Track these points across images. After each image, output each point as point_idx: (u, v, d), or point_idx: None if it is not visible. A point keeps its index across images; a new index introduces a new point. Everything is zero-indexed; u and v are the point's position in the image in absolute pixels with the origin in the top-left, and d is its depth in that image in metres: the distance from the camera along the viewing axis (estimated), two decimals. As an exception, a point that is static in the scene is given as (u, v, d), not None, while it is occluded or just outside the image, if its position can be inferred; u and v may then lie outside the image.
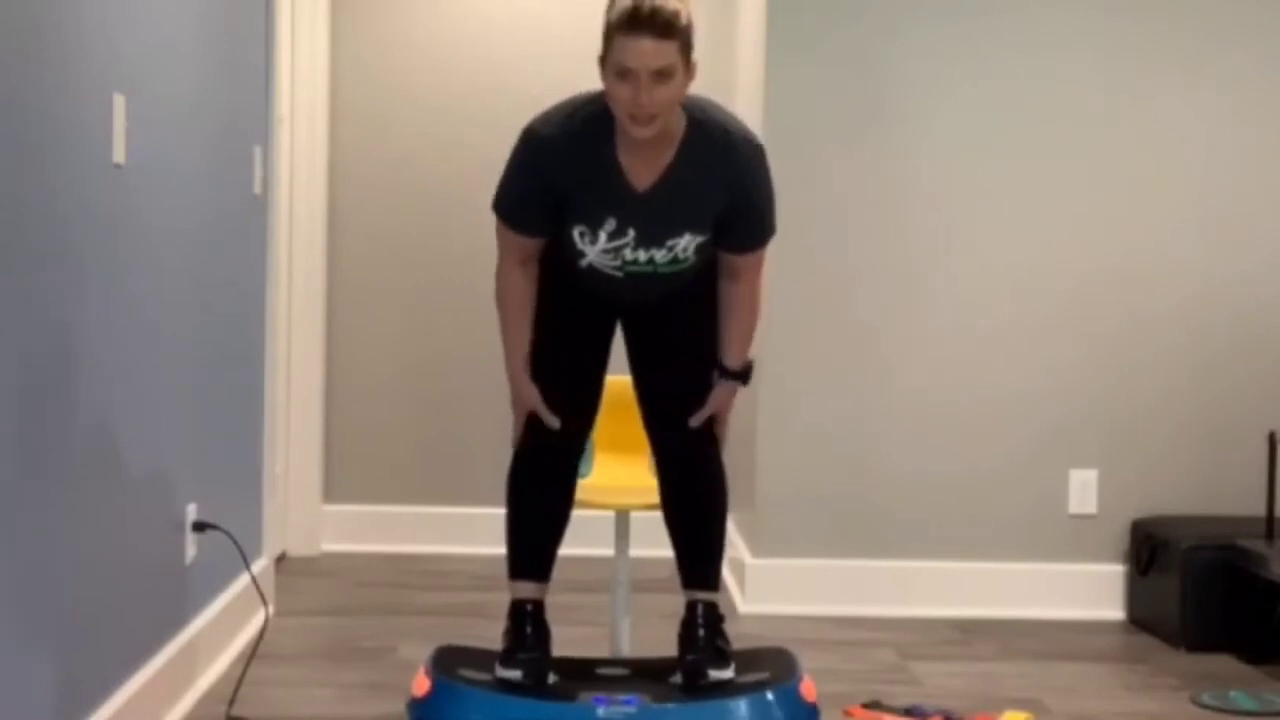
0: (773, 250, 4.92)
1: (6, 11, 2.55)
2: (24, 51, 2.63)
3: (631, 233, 3.16)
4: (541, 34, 5.81)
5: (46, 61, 2.74)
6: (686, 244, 3.19)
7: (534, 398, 3.31)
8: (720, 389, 3.36)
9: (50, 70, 2.76)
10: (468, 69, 5.87)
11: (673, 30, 2.98)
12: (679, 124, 3.12)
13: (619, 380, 3.47)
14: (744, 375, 3.37)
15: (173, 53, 3.59)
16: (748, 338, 3.37)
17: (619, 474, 3.75)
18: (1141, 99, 4.97)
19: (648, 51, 2.96)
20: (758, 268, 3.33)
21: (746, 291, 3.32)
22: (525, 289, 3.28)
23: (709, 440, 3.40)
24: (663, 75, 2.98)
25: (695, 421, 3.35)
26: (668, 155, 3.13)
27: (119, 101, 3.13)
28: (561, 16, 5.78)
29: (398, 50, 5.88)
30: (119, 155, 3.14)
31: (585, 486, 3.62)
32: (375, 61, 5.87)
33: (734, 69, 5.73)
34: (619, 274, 3.22)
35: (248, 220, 4.46)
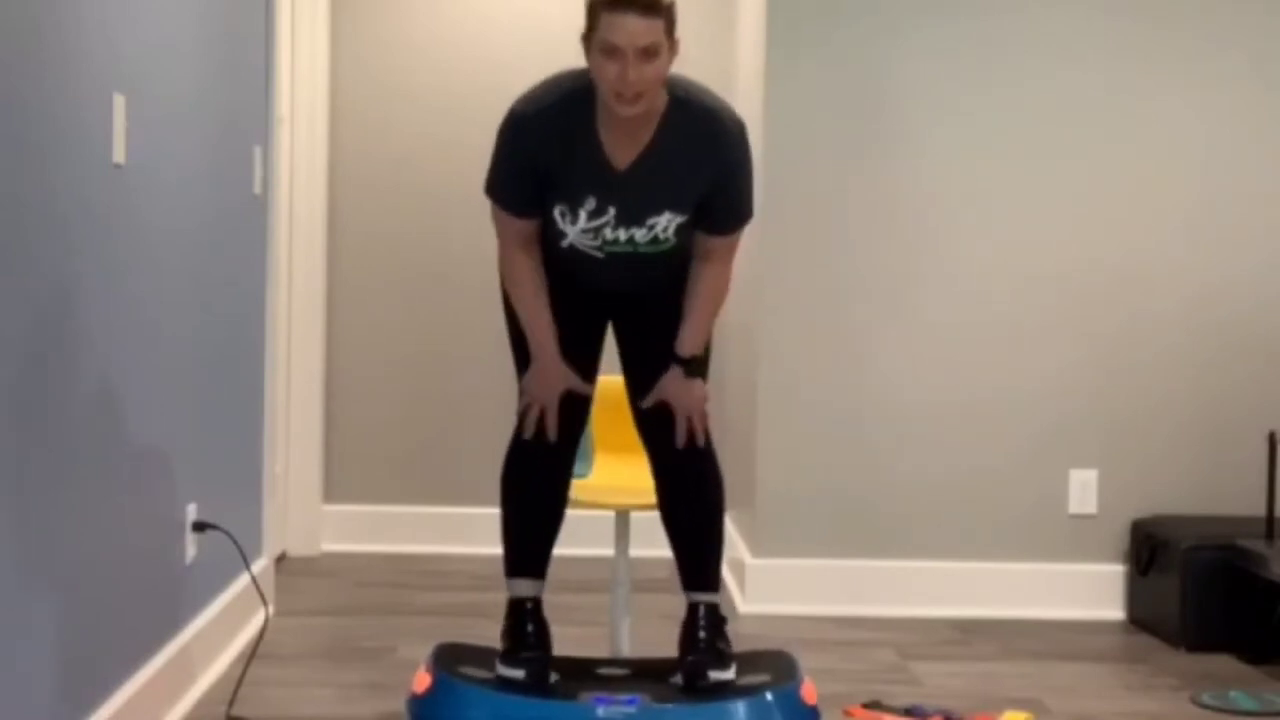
0: (774, 248, 4.93)
1: (6, 11, 2.55)
2: (24, 51, 2.63)
3: (611, 211, 3.16)
4: (541, 34, 5.80)
5: (46, 61, 2.74)
6: (666, 223, 3.19)
7: (571, 379, 3.29)
8: (667, 377, 3.30)
9: (50, 70, 2.76)
10: (468, 69, 5.87)
11: (657, 8, 3.01)
12: (660, 102, 3.12)
13: (617, 381, 3.47)
14: (690, 365, 3.30)
15: (173, 53, 3.59)
16: (705, 325, 3.32)
17: (619, 474, 3.75)
18: (1141, 99, 4.97)
19: (634, 29, 2.98)
20: (731, 251, 3.31)
21: (715, 275, 3.29)
22: (533, 267, 3.26)
23: (704, 441, 3.37)
24: (649, 53, 3.00)
25: (646, 403, 3.32)
26: (648, 133, 3.13)
27: (119, 101, 3.13)
28: (561, 16, 5.77)
29: (398, 50, 5.88)
30: (119, 155, 3.14)
31: (585, 486, 3.63)
32: (375, 61, 5.88)
33: (734, 69, 5.73)
34: (599, 254, 3.22)
35: (248, 220, 4.46)
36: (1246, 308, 4.98)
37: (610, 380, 3.49)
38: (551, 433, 3.31)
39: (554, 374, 3.29)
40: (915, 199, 4.96)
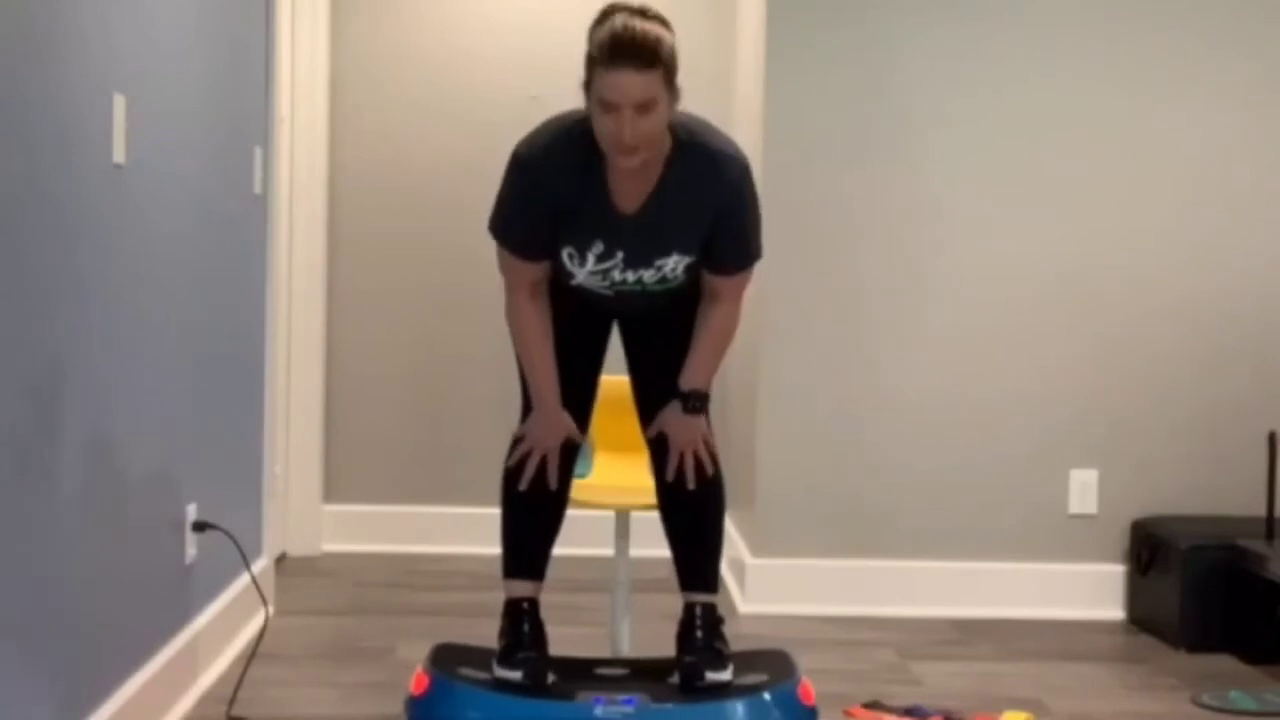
0: (774, 250, 4.93)
1: (6, 11, 2.55)
2: (24, 51, 2.63)
3: (619, 255, 3.16)
4: (541, 36, 5.80)
5: (46, 61, 2.74)
6: (674, 264, 3.18)
7: (570, 428, 3.30)
8: (667, 410, 3.30)
9: (50, 70, 2.76)
10: (468, 70, 5.87)
11: (656, 61, 2.95)
12: (665, 144, 3.09)
13: (619, 380, 3.46)
14: (690, 399, 3.28)
15: (173, 53, 3.60)
16: (709, 364, 3.30)
17: (619, 474, 3.75)
18: (1142, 101, 4.97)
19: (630, 85, 2.93)
20: (738, 291, 3.29)
21: (722, 315, 3.27)
22: (541, 320, 3.25)
23: (710, 456, 3.36)
24: (646, 107, 2.95)
25: (649, 434, 3.34)
26: (654, 176, 3.11)
27: (119, 101, 3.13)
28: (561, 18, 5.77)
29: (398, 51, 5.88)
30: (119, 155, 3.14)
31: (585, 486, 3.62)
32: (375, 62, 5.87)
33: (734, 71, 5.73)
34: (609, 293, 3.22)
35: (248, 220, 4.46)
36: (1247, 307, 4.98)
37: (611, 380, 3.48)
38: (552, 481, 3.32)
39: (555, 425, 3.30)
40: (915, 200, 4.96)
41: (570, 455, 3.39)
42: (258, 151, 4.54)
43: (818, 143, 4.94)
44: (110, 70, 3.10)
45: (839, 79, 4.94)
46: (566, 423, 3.31)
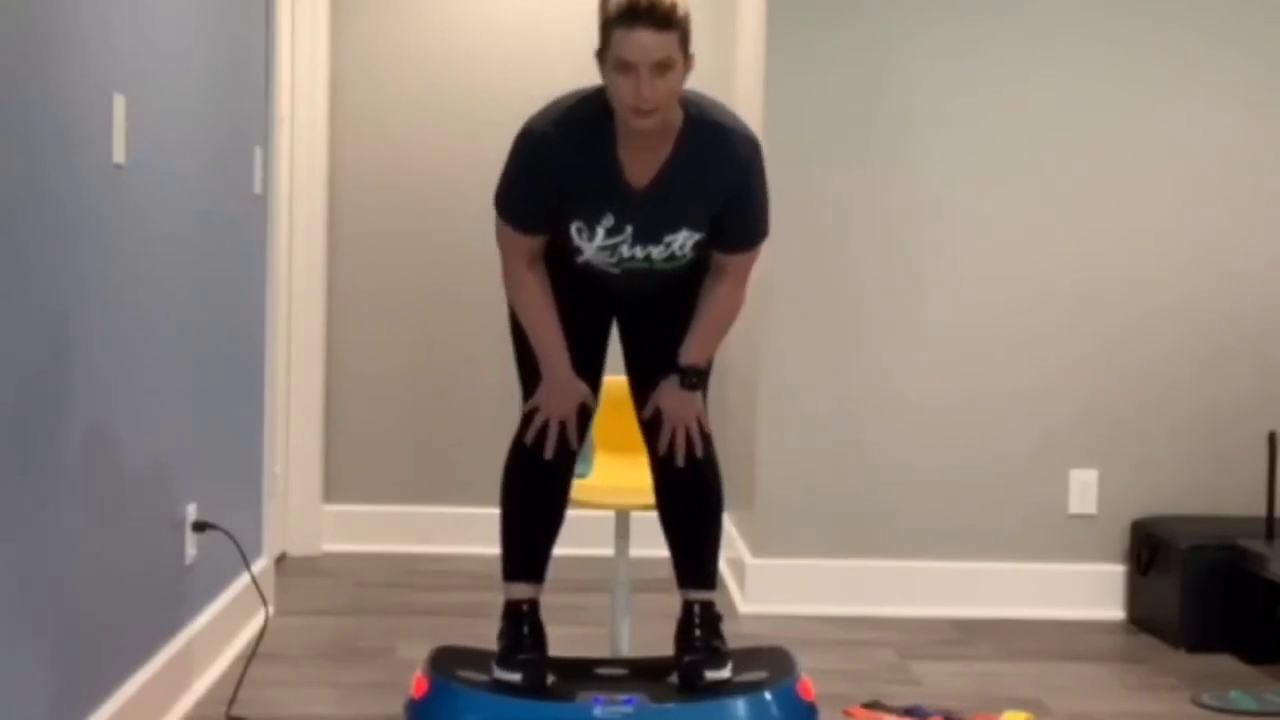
0: (774, 250, 4.93)
1: (6, 11, 2.55)
2: (24, 51, 2.64)
3: (629, 229, 3.16)
4: (542, 36, 5.80)
5: (46, 61, 2.75)
6: (684, 241, 3.18)
7: (584, 392, 3.28)
8: (664, 385, 3.29)
9: (50, 70, 2.76)
10: (468, 70, 5.87)
11: (672, 21, 2.97)
12: (676, 119, 3.11)
13: (619, 380, 3.46)
14: (687, 374, 3.27)
15: (173, 53, 3.60)
16: (710, 340, 3.30)
17: (619, 474, 3.75)
18: (1141, 101, 4.97)
19: (648, 44, 2.95)
20: (745, 270, 3.29)
21: (727, 293, 3.27)
22: (542, 287, 3.24)
23: (704, 437, 3.37)
24: (663, 67, 2.97)
25: (645, 414, 3.33)
26: (665, 151, 3.12)
27: (119, 101, 3.13)
28: (562, 18, 5.78)
29: (398, 51, 5.88)
30: (119, 155, 3.14)
31: (585, 486, 3.62)
32: (376, 62, 5.87)
33: (734, 71, 5.73)
34: (615, 271, 3.22)
35: (248, 220, 4.46)
36: (1247, 307, 4.98)
37: (611, 380, 3.48)
38: (573, 443, 3.31)
39: (568, 391, 3.28)
40: (916, 200, 4.96)
41: (583, 423, 3.36)
42: (258, 151, 4.54)
43: (818, 143, 4.94)
44: (110, 70, 3.10)
45: (839, 79, 4.94)
46: (580, 387, 3.29)
